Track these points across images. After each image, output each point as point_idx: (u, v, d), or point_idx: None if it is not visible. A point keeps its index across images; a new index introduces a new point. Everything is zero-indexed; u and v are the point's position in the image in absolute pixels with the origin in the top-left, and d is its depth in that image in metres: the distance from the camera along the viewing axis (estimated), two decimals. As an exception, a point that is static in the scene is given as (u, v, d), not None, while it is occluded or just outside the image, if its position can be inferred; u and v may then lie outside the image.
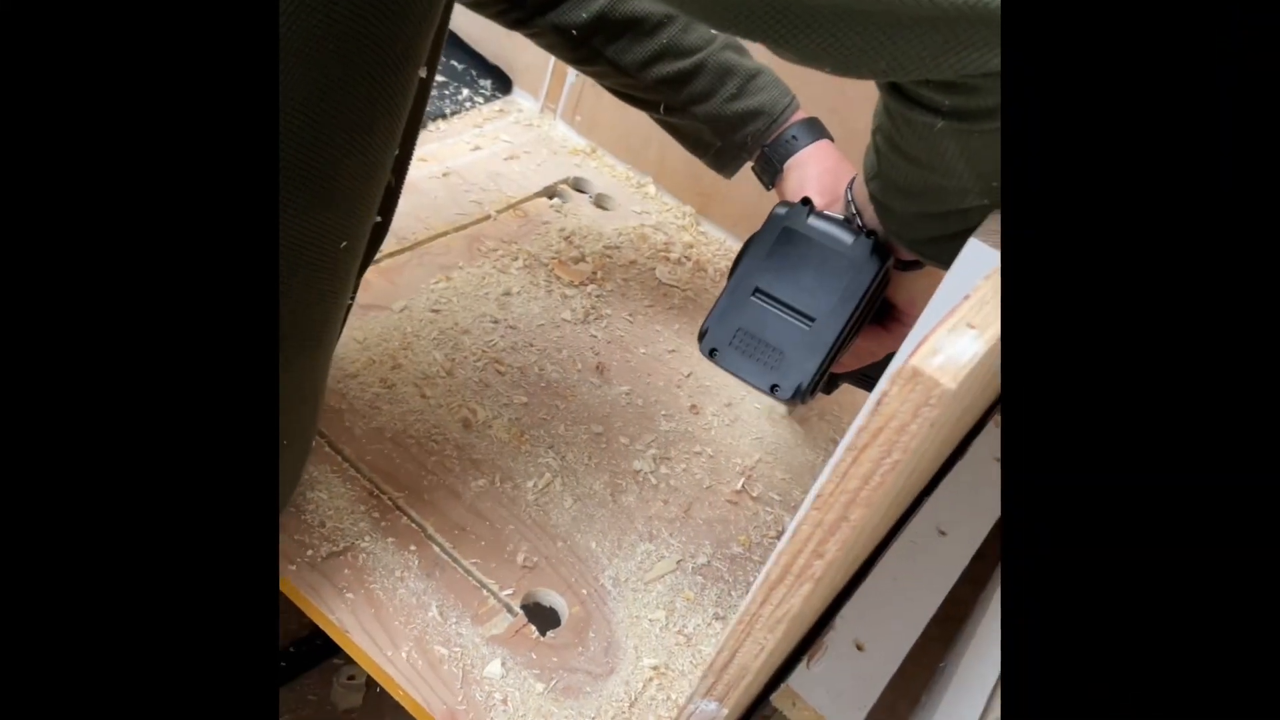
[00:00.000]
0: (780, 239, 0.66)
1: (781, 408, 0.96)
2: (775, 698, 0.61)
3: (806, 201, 0.67)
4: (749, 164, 0.82)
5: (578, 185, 1.16)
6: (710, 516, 0.83)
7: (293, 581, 0.66)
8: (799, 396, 0.65)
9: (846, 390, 0.86)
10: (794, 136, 0.78)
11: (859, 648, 0.64)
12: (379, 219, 0.59)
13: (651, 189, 1.19)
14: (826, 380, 0.85)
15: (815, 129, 0.78)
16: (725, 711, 0.47)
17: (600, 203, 1.15)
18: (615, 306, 1.00)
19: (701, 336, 0.68)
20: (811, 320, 0.64)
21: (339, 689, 1.10)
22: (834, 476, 0.38)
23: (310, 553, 0.68)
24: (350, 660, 1.15)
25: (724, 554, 0.80)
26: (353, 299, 0.62)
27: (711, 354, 0.67)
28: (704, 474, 0.86)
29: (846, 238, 0.64)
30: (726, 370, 0.67)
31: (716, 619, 0.75)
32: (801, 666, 0.61)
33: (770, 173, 0.79)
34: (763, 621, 0.44)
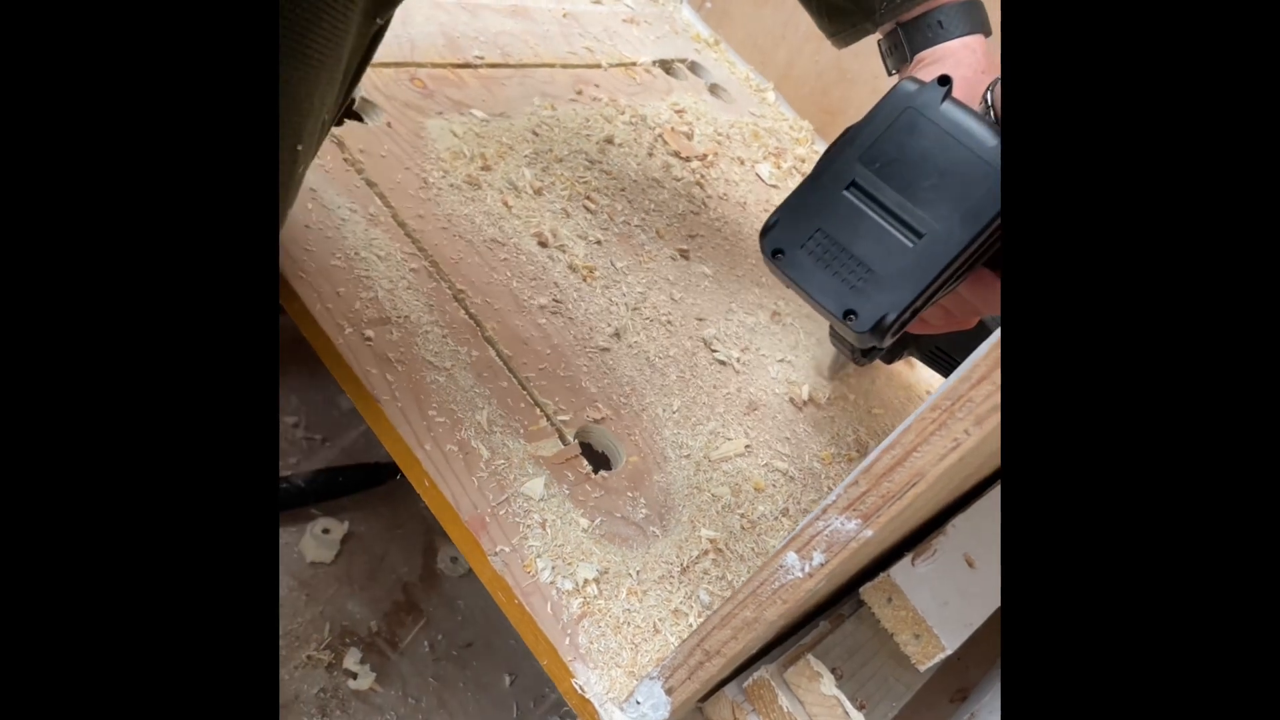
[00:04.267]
0: (899, 124, 0.48)
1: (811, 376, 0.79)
2: (866, 591, 0.51)
3: (945, 81, 0.49)
4: (876, 40, 0.63)
5: (694, 69, 1.07)
6: (784, 419, 0.72)
7: (328, 336, 0.56)
8: (877, 333, 0.48)
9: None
10: (940, 22, 0.59)
11: (970, 563, 0.54)
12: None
13: (771, 96, 1.09)
14: (895, 343, 0.72)
15: (971, 18, 0.59)
16: (869, 533, 0.37)
17: (715, 93, 1.06)
18: (713, 190, 0.90)
19: (766, 231, 0.50)
20: (919, 236, 0.47)
21: (310, 540, 1.00)
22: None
23: (358, 310, 0.58)
24: (329, 513, 1.05)
25: (798, 461, 0.70)
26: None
27: (775, 255, 0.49)
28: (779, 377, 0.76)
29: (989, 138, 0.47)
30: (789, 280, 0.49)
31: (785, 515, 0.65)
32: (904, 563, 0.51)
33: (897, 58, 0.61)
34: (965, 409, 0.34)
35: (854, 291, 0.47)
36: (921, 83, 0.49)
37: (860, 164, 0.48)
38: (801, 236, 0.49)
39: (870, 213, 0.48)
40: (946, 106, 0.48)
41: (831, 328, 0.69)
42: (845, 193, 0.48)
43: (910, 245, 0.47)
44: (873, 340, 0.48)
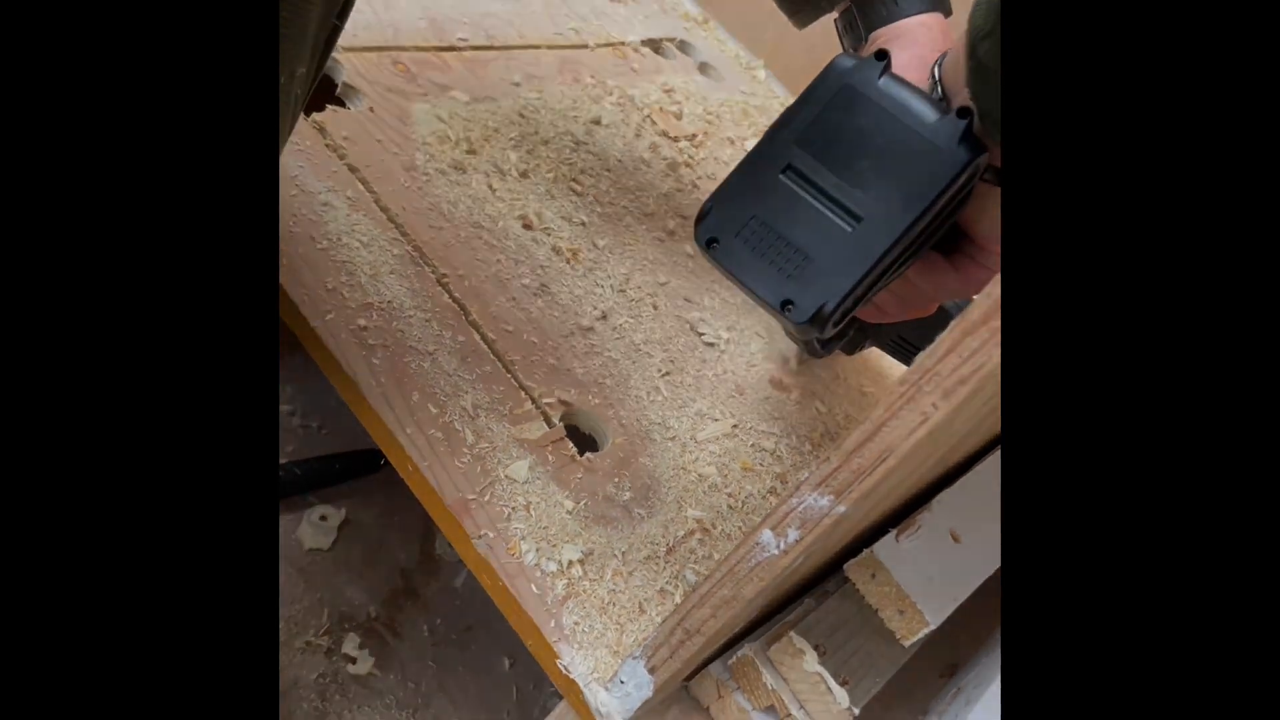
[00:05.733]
0: (835, 102, 0.46)
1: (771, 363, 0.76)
2: (850, 567, 0.51)
3: (882, 56, 0.47)
4: (833, 18, 0.61)
5: (683, 48, 1.06)
6: (773, 399, 0.72)
7: (311, 322, 0.56)
8: (817, 323, 0.45)
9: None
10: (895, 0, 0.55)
11: (955, 538, 0.54)
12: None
13: (761, 74, 1.08)
14: (854, 333, 0.69)
15: None
16: (843, 509, 0.37)
17: (704, 71, 1.05)
18: (702, 170, 0.90)
19: (700, 219, 0.48)
20: (858, 220, 0.45)
21: (308, 526, 1.00)
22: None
23: (341, 296, 0.58)
24: (325, 500, 1.05)
25: (787, 441, 0.70)
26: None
27: (709, 245, 0.47)
28: (766, 356, 0.76)
29: (929, 114, 0.45)
30: (724, 269, 0.47)
31: (772, 494, 0.65)
32: (889, 539, 0.51)
33: (853, 38, 0.58)
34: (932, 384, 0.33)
35: (791, 281, 0.45)
36: (858, 58, 0.47)
37: (796, 146, 0.46)
38: (736, 225, 0.46)
39: (807, 197, 0.45)
40: (885, 82, 0.46)
41: None
42: (781, 177, 0.46)
43: (849, 230, 0.45)
44: (813, 331, 0.46)
